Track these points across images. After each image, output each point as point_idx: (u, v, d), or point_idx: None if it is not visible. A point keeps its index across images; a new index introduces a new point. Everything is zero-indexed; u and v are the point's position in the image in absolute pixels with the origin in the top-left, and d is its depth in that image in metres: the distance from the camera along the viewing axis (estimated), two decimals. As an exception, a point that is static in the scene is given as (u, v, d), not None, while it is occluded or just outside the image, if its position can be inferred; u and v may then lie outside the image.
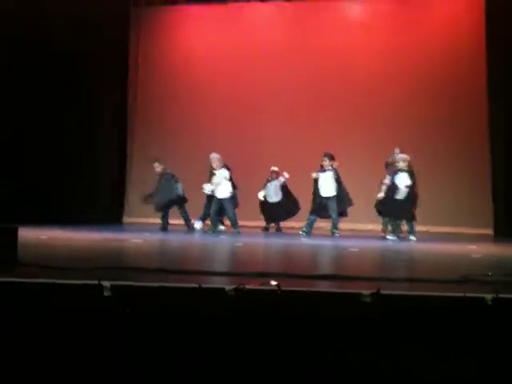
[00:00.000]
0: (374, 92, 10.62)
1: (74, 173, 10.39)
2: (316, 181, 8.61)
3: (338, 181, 8.54)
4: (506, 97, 9.25)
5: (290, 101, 10.83)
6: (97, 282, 2.87)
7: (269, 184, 9.35)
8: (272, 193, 9.31)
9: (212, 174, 8.63)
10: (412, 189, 7.84)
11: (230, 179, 8.64)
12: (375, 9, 10.92)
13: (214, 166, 8.56)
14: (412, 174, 7.88)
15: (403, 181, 7.77)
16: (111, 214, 10.73)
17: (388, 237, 8.02)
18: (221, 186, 8.48)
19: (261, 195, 9.29)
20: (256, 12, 11.23)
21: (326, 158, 8.53)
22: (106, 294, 2.86)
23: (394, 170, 8.05)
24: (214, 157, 8.58)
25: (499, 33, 9.33)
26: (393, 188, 7.90)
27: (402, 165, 7.85)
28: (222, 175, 8.49)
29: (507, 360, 2.38)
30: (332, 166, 8.54)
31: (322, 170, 8.55)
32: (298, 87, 10.85)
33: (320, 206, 8.55)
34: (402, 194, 7.78)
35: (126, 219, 11.14)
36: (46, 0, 9.92)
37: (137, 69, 11.61)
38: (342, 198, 8.52)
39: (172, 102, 11.39)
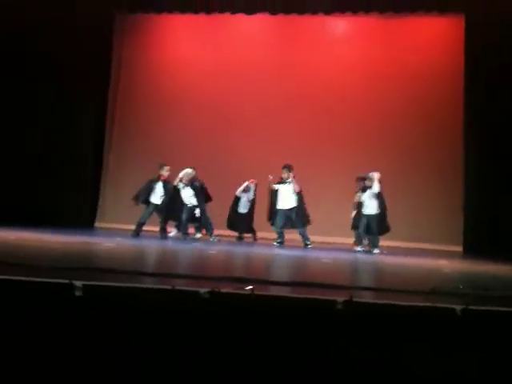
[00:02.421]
0: (350, 107, 10.77)
1: (48, 176, 10.20)
2: (275, 192, 8.62)
3: (299, 193, 8.56)
4: (479, 116, 9.46)
5: (271, 113, 10.89)
6: (68, 281, 2.82)
7: (243, 195, 9.45)
8: (243, 204, 9.44)
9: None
10: (381, 205, 7.99)
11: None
12: (357, 25, 11.11)
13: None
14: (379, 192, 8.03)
15: (369, 196, 8.01)
16: (84, 219, 10.55)
17: (357, 248, 8.12)
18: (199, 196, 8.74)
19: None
20: (241, 24, 11.27)
21: (284, 170, 8.51)
22: (77, 293, 2.81)
23: (362, 187, 8.20)
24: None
25: (477, 53, 9.54)
26: (361, 205, 8.11)
27: (370, 183, 7.99)
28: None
29: (473, 368, 2.42)
30: (292, 177, 8.52)
31: (282, 181, 8.54)
32: (279, 99, 10.93)
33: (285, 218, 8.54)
34: (370, 209, 7.96)
35: (99, 224, 11.00)
36: (26, 6, 9.86)
37: (118, 76, 11.54)
38: (302, 210, 8.53)
39: (151, 111, 11.36)
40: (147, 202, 8.65)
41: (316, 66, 11.01)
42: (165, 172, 8.70)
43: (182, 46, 11.53)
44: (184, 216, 8.73)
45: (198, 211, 8.81)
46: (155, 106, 11.39)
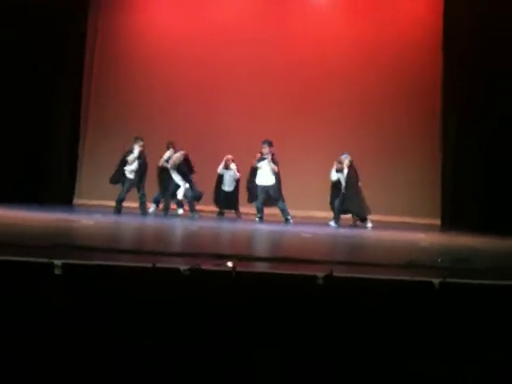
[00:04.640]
0: (331, 81, 10.70)
1: (26, 152, 9.95)
2: (255, 169, 8.57)
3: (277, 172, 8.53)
4: (458, 92, 9.53)
5: (250, 86, 10.75)
6: (47, 260, 2.79)
7: (226, 173, 9.36)
8: (227, 182, 9.36)
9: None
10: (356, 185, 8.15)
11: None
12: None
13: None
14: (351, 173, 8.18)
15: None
16: (62, 196, 10.40)
17: (331, 223, 8.19)
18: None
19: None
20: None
21: (265, 145, 8.42)
22: (56, 272, 2.78)
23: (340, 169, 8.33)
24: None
25: (456, 31, 9.61)
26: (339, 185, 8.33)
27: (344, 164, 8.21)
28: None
29: (450, 338, 2.48)
30: (271, 153, 8.44)
31: (262, 157, 8.47)
32: (256, 72, 10.77)
33: (261, 194, 8.55)
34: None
35: (77, 201, 10.85)
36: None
37: (94, 45, 11.19)
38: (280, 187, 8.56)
39: (128, 83, 11.06)
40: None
41: (297, 39, 10.85)
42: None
43: (164, 12, 11.19)
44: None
45: (180, 191, 8.77)
46: (134, 78, 11.07)
